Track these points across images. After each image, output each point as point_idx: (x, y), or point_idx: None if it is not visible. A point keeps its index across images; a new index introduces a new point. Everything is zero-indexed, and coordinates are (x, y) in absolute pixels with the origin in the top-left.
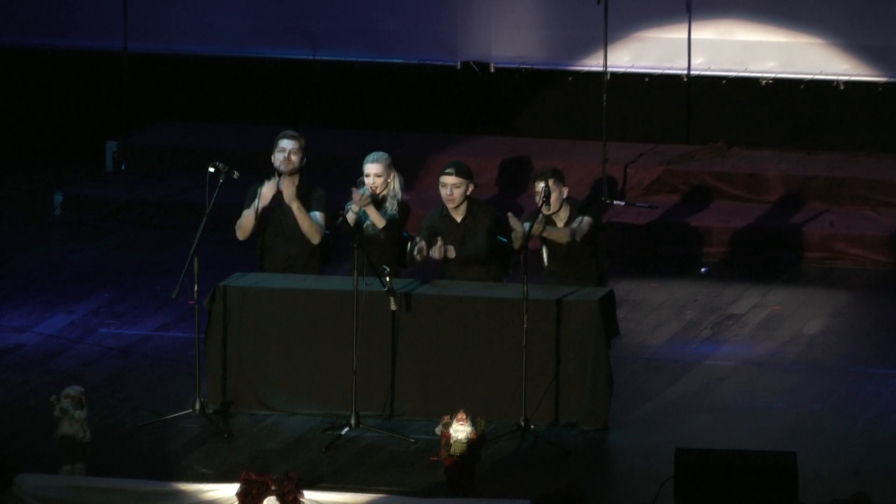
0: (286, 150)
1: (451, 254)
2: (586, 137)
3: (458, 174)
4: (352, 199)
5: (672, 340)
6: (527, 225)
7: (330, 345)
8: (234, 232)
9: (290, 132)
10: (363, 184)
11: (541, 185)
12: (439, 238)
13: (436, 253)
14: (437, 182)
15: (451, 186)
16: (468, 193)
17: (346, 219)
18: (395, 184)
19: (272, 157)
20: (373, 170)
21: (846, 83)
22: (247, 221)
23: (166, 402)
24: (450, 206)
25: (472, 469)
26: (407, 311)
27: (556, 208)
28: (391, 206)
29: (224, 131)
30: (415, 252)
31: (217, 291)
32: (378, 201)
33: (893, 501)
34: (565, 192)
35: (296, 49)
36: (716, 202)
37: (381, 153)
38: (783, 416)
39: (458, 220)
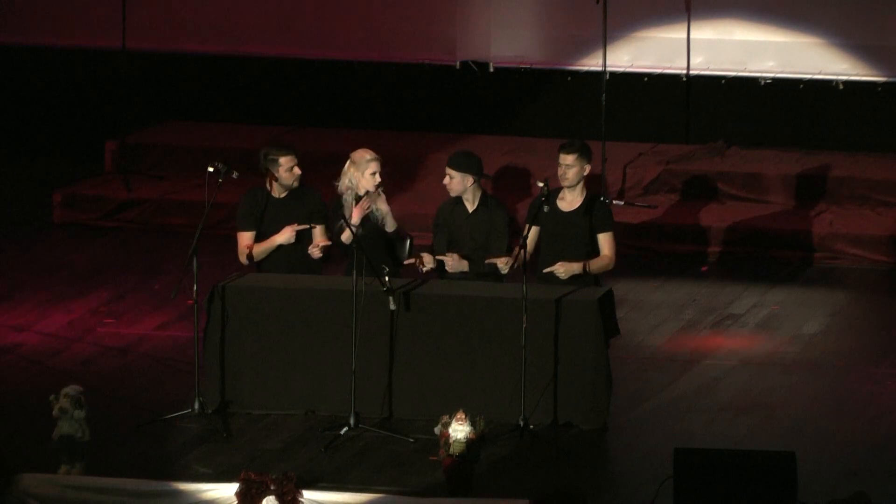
0: (292, 165)
1: (465, 266)
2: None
3: (450, 166)
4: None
5: (671, 340)
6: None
7: (329, 344)
8: (232, 231)
9: (289, 146)
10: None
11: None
12: (455, 255)
13: (454, 268)
14: (437, 181)
15: (447, 177)
16: (468, 186)
17: (346, 221)
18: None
19: (276, 172)
20: (379, 168)
21: (845, 83)
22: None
23: (165, 402)
24: (451, 195)
25: (471, 469)
26: (406, 311)
27: (574, 182)
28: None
29: (224, 131)
30: (417, 263)
31: (216, 291)
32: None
33: (893, 501)
34: (587, 169)
35: (295, 49)
36: (715, 202)
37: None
38: (783, 416)
39: (470, 210)
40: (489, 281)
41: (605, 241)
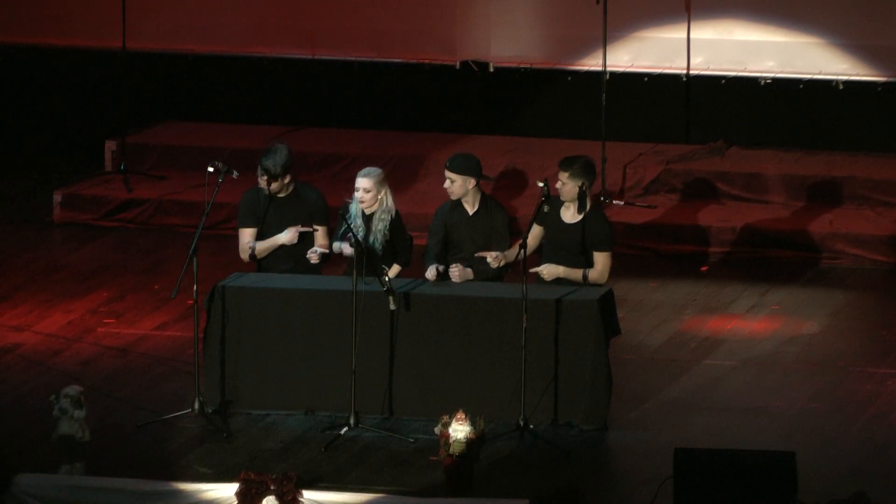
0: (265, 183)
1: (471, 275)
2: (585, 137)
3: (450, 170)
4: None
5: (671, 340)
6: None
7: (329, 345)
8: (232, 231)
9: (270, 169)
10: (354, 199)
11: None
12: (459, 265)
13: (460, 278)
14: (437, 181)
15: (447, 181)
16: (470, 188)
17: (350, 227)
18: (388, 199)
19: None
20: (362, 184)
21: (845, 83)
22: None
23: (165, 402)
24: (452, 198)
25: (471, 469)
26: (406, 311)
27: (568, 198)
28: (384, 220)
29: (224, 131)
30: (427, 275)
31: (216, 291)
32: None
33: (893, 501)
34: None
35: (295, 49)
36: (715, 202)
37: (374, 169)
38: (783, 416)
39: (470, 213)
40: (489, 282)
41: (599, 258)
